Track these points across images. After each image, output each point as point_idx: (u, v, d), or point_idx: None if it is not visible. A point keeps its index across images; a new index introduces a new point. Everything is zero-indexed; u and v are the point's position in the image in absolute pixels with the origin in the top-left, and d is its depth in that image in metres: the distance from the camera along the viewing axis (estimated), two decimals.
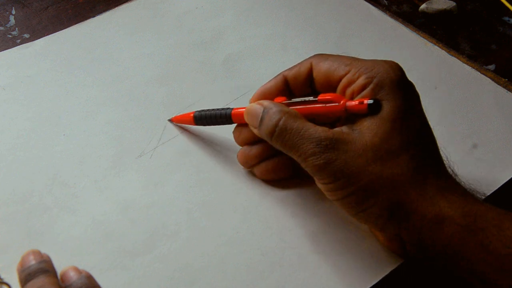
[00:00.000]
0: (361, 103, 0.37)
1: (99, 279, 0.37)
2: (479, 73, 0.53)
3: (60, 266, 0.37)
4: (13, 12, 0.60)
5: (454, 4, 0.61)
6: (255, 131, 0.41)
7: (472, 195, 0.37)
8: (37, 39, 0.56)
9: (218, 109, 0.44)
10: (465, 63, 0.54)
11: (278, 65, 0.54)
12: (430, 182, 0.36)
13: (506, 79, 0.53)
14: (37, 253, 0.37)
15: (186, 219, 0.42)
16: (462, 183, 0.39)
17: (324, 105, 0.39)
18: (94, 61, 0.54)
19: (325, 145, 0.37)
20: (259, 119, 0.40)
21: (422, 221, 0.35)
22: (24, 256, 0.37)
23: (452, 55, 0.55)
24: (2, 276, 0.38)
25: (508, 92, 0.52)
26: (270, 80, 0.43)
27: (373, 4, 0.60)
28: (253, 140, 0.43)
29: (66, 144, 0.47)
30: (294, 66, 0.43)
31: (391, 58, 0.54)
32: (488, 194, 0.44)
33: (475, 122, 0.49)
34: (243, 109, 0.42)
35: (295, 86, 0.42)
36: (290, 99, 0.41)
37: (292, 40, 0.56)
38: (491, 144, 0.47)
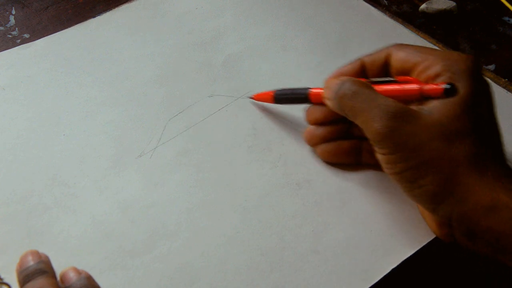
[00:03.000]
0: (438, 86, 0.38)
1: (99, 279, 0.37)
2: None
3: (60, 266, 0.37)
4: (13, 12, 0.60)
5: (454, 4, 0.61)
6: (329, 103, 0.42)
7: None
8: (37, 39, 0.56)
9: (297, 88, 0.46)
10: None
11: (278, 65, 0.54)
12: (491, 169, 0.36)
13: (506, 79, 0.53)
14: (36, 254, 0.37)
15: (186, 219, 0.42)
16: None
17: (402, 86, 0.40)
18: (94, 61, 0.54)
19: (392, 113, 0.37)
20: (336, 89, 0.41)
21: (477, 205, 0.35)
22: (23, 257, 0.37)
23: None
24: (2, 276, 0.38)
25: (508, 92, 0.52)
26: (347, 64, 0.44)
27: (373, 5, 0.60)
28: (322, 121, 0.45)
29: (66, 144, 0.47)
30: (372, 52, 0.44)
31: None
32: None
33: None
34: (321, 89, 0.43)
35: (372, 71, 0.43)
36: (370, 79, 0.42)
37: (292, 40, 0.56)
38: None
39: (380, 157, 0.39)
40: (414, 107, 0.38)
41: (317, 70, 0.53)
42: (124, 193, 0.44)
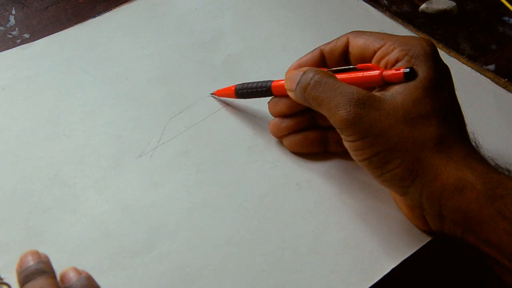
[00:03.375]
0: (398, 70, 0.39)
1: (99, 279, 0.37)
2: (479, 73, 0.53)
3: (59, 266, 0.37)
4: (13, 12, 0.60)
5: (454, 4, 0.61)
6: (292, 94, 0.42)
7: (494, 166, 0.38)
8: (37, 39, 0.56)
9: (258, 82, 0.46)
10: (465, 63, 0.54)
11: (278, 65, 0.54)
12: (455, 149, 0.37)
13: (506, 79, 0.53)
14: (35, 254, 0.37)
15: (186, 219, 0.42)
16: (487, 156, 0.40)
17: (362, 73, 0.41)
18: (94, 61, 0.54)
19: (356, 100, 0.38)
20: (297, 80, 0.41)
21: (444, 186, 0.36)
22: (22, 257, 0.37)
23: (452, 55, 0.55)
24: (2, 276, 0.38)
25: (508, 92, 0.52)
26: (307, 54, 0.45)
27: (372, 5, 0.60)
28: (287, 113, 0.45)
29: (66, 144, 0.47)
30: (331, 41, 0.44)
31: None
32: None
33: (475, 122, 0.49)
34: (283, 81, 0.44)
35: (331, 60, 0.44)
36: (331, 69, 0.43)
37: (292, 40, 0.56)
38: (491, 144, 0.47)
39: (347, 144, 0.39)
40: (377, 93, 0.39)
41: None
42: (124, 193, 0.44)
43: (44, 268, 0.36)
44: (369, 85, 0.41)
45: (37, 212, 0.42)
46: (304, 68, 0.42)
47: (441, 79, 0.39)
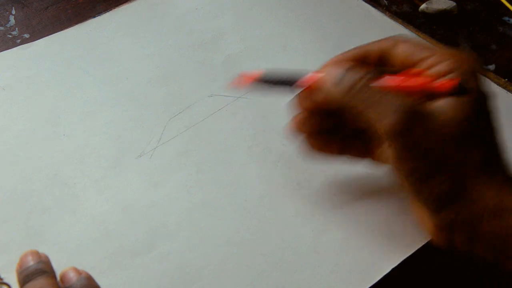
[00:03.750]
0: (451, 82, 0.37)
1: (99, 279, 0.37)
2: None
3: (60, 266, 0.37)
4: (13, 12, 0.60)
5: (454, 4, 0.61)
6: (331, 90, 0.39)
7: None
8: (37, 39, 0.56)
9: (291, 70, 0.41)
10: None
11: (278, 65, 0.54)
12: (497, 173, 0.36)
13: (506, 79, 0.53)
14: (35, 254, 0.37)
15: (186, 219, 0.42)
16: None
17: (412, 78, 0.38)
18: (94, 61, 0.54)
19: (407, 110, 0.36)
20: (339, 76, 0.38)
21: (483, 209, 0.35)
22: (22, 257, 0.37)
23: None
24: (2, 276, 0.38)
25: (508, 92, 0.52)
26: (349, 50, 0.42)
27: (373, 5, 0.60)
28: (315, 109, 0.42)
29: (66, 144, 0.47)
30: (375, 41, 0.42)
31: None
32: None
33: None
34: (318, 75, 0.40)
35: (372, 61, 0.42)
36: (377, 68, 0.40)
37: (292, 40, 0.56)
38: None
39: (391, 152, 0.37)
40: (428, 102, 0.37)
41: None
42: (124, 193, 0.44)
43: (44, 268, 0.36)
44: (415, 92, 0.38)
45: (37, 212, 0.42)
46: (348, 64, 0.39)
47: (487, 100, 0.38)
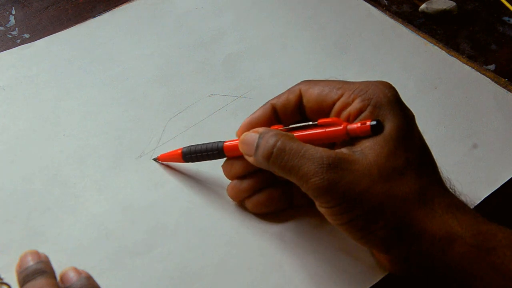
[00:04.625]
0: (364, 124, 0.36)
1: (99, 279, 0.37)
2: (479, 73, 0.53)
3: (60, 266, 0.37)
4: (13, 12, 0.60)
5: (454, 4, 0.61)
6: (251, 159, 0.39)
7: (480, 214, 0.36)
8: (37, 39, 0.56)
9: (208, 143, 0.42)
10: (465, 63, 0.54)
11: (278, 65, 0.54)
12: (438, 201, 0.35)
13: (506, 79, 0.53)
14: (35, 254, 0.37)
15: (186, 219, 0.42)
16: (467, 200, 0.38)
17: (324, 129, 0.38)
18: (94, 61, 0.54)
19: (327, 165, 0.35)
20: (255, 145, 0.38)
21: (432, 241, 0.34)
22: (22, 257, 0.37)
23: (452, 55, 0.55)
24: (2, 276, 0.38)
25: (508, 92, 0.52)
26: (257, 110, 0.42)
27: (373, 4, 0.60)
28: (245, 173, 0.41)
29: (66, 144, 0.47)
30: (282, 94, 0.41)
31: (391, 58, 0.55)
32: (488, 194, 0.44)
33: (475, 122, 0.49)
34: (236, 141, 0.40)
35: (285, 115, 0.41)
36: (288, 126, 0.40)
37: (292, 40, 0.56)
38: (491, 144, 0.47)
39: (322, 210, 0.37)
40: (345, 150, 0.36)
41: (317, 70, 0.53)
42: (124, 193, 0.44)
43: (43, 268, 0.36)
44: (333, 141, 0.38)
45: (37, 212, 0.42)
46: (260, 130, 0.39)
47: (409, 127, 0.37)
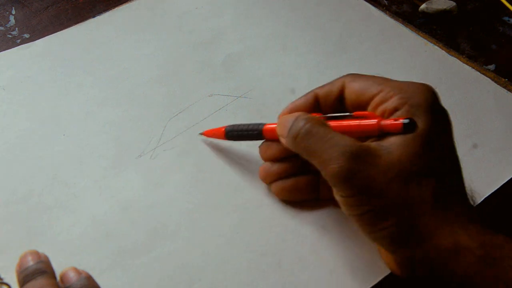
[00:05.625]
0: (397, 121, 0.36)
1: (99, 279, 0.37)
2: (479, 73, 0.53)
3: (59, 266, 0.37)
4: (13, 12, 0.60)
5: (454, 4, 0.61)
6: (283, 140, 0.40)
7: (490, 226, 0.36)
8: (37, 39, 0.56)
9: (250, 124, 0.44)
10: (465, 63, 0.54)
11: (278, 65, 0.54)
12: (451, 210, 0.35)
13: (506, 79, 0.53)
14: (35, 254, 0.37)
15: (186, 219, 0.42)
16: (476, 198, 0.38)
17: (358, 121, 0.38)
18: (94, 61, 0.54)
19: (350, 153, 0.35)
20: (289, 127, 0.39)
21: (438, 249, 0.34)
22: (22, 257, 0.37)
23: (452, 55, 0.55)
24: (2, 276, 0.38)
25: (508, 92, 0.52)
26: (301, 97, 0.42)
27: (373, 4, 0.60)
28: (278, 157, 0.42)
29: (66, 144, 0.47)
30: (326, 84, 0.42)
31: (391, 58, 0.55)
32: (488, 194, 0.44)
33: (475, 122, 0.49)
34: (275, 124, 0.41)
35: (326, 104, 0.41)
36: (326, 115, 0.40)
37: (292, 40, 0.56)
38: (491, 144, 0.47)
39: (338, 198, 0.37)
40: (373, 143, 0.37)
41: (317, 70, 0.53)
42: (124, 193, 0.44)
43: (43, 268, 0.36)
44: (365, 135, 0.38)
45: (37, 212, 0.42)
46: (296, 114, 0.39)
47: (441, 132, 0.37)
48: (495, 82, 0.52)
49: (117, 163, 0.46)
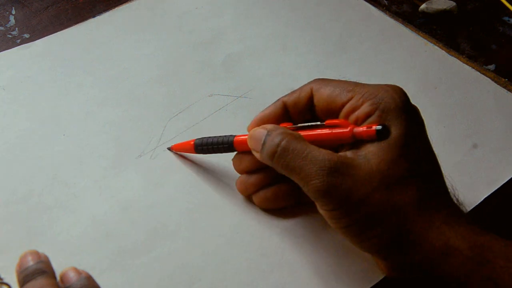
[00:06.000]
0: (370, 128, 0.36)
1: (99, 279, 0.37)
2: (479, 73, 0.53)
3: (59, 266, 0.37)
4: (13, 12, 0.60)
5: (454, 4, 0.61)
6: (257, 155, 0.39)
7: (478, 218, 0.36)
8: (37, 39, 0.56)
9: (219, 136, 0.43)
10: (465, 63, 0.54)
11: (278, 65, 0.54)
12: (437, 212, 0.35)
13: (506, 79, 0.53)
14: (35, 254, 0.37)
15: (186, 219, 0.42)
16: (465, 209, 0.38)
17: (331, 130, 0.38)
18: (94, 61, 0.54)
19: (329, 168, 0.35)
20: (262, 142, 0.38)
21: (428, 252, 0.34)
22: (22, 257, 0.37)
23: (452, 55, 0.55)
24: (2, 276, 0.38)
25: (508, 92, 0.52)
26: (269, 107, 0.42)
27: (373, 4, 0.60)
28: (253, 168, 0.42)
29: (66, 144, 0.47)
30: (294, 91, 0.41)
31: (391, 58, 0.55)
32: (488, 194, 0.44)
33: (475, 122, 0.49)
34: (246, 136, 0.41)
35: (295, 112, 0.41)
36: (296, 125, 0.40)
37: (292, 40, 0.56)
38: (491, 144, 0.47)
39: (322, 212, 0.37)
40: (349, 153, 0.36)
41: (317, 70, 0.53)
42: (124, 193, 0.44)
43: (43, 268, 0.36)
44: (339, 143, 0.38)
45: (37, 212, 0.42)
46: (268, 126, 0.39)
47: (416, 134, 0.37)
48: (495, 82, 0.52)
49: (117, 163, 0.45)
